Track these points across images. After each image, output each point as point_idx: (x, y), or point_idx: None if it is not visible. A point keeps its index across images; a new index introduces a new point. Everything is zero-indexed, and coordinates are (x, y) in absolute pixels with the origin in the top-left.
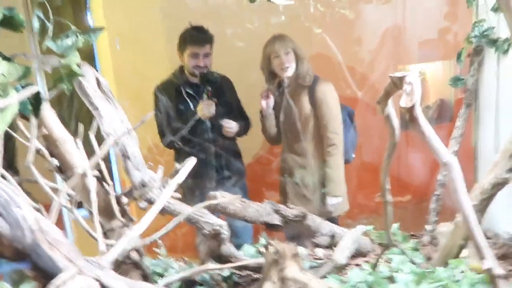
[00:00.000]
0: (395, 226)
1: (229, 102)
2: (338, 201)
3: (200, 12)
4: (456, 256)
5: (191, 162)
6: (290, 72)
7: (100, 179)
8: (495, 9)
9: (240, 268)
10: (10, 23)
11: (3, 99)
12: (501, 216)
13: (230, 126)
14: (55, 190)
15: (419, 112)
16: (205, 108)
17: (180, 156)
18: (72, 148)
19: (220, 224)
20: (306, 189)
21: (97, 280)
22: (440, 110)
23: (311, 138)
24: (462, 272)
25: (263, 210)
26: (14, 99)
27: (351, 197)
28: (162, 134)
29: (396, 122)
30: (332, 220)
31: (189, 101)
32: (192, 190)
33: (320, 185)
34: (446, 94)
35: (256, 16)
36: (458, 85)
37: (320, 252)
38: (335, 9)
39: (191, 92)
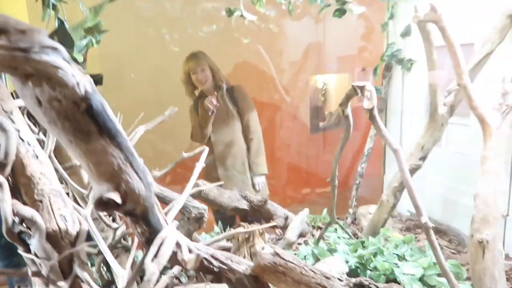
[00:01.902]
0: (324, 211)
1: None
2: (262, 180)
3: (142, 16)
4: (382, 227)
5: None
6: (207, 85)
7: None
8: (403, 35)
9: None
10: None
11: None
12: (403, 200)
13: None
14: None
15: (376, 113)
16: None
17: None
18: None
19: (204, 208)
20: (238, 173)
21: None
22: (341, 116)
23: (237, 131)
24: (388, 238)
25: (234, 196)
26: None
27: (283, 191)
28: None
29: (351, 120)
30: None
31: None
32: None
33: (247, 168)
34: None
35: (190, 24)
36: (377, 94)
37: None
38: (262, 22)
39: None
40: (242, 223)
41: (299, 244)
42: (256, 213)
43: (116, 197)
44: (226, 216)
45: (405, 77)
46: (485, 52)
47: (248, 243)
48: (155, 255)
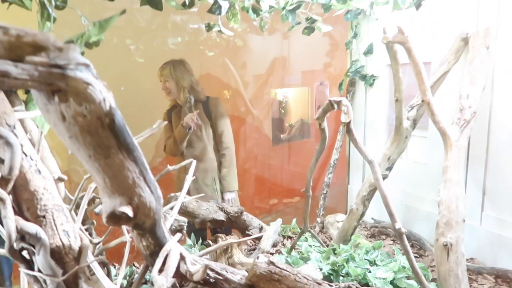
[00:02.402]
0: (293, 220)
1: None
2: (232, 196)
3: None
4: (352, 234)
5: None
6: (172, 96)
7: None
8: (365, 53)
9: None
10: None
11: None
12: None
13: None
14: None
15: (352, 126)
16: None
17: None
18: (48, 153)
19: (184, 220)
20: (207, 187)
21: None
22: (301, 128)
23: (209, 145)
24: (358, 244)
25: (211, 208)
26: None
27: (251, 202)
28: None
29: (327, 133)
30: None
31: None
32: None
33: (217, 183)
34: (305, 115)
35: (156, 35)
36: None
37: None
38: (230, 36)
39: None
40: (220, 235)
41: (272, 254)
42: (233, 224)
43: (129, 211)
44: (197, 229)
45: (368, 92)
46: (442, 71)
47: (226, 254)
48: (161, 268)
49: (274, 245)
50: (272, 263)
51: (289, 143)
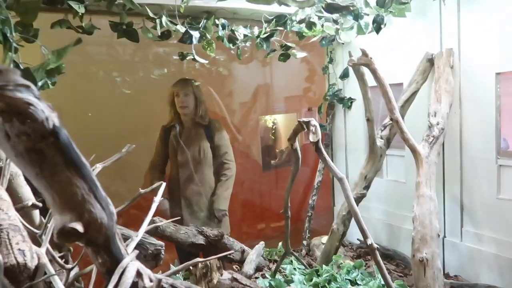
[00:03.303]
0: (279, 244)
1: None
2: (223, 213)
3: (93, 59)
4: (334, 255)
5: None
6: (187, 111)
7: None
8: (342, 77)
9: None
10: None
11: None
12: (353, 230)
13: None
14: None
15: (321, 145)
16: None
17: None
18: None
19: (161, 244)
20: (201, 211)
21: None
22: (291, 154)
23: (208, 169)
24: (340, 264)
25: (190, 232)
26: None
27: (239, 226)
28: None
29: (299, 154)
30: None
31: None
32: None
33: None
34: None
35: (141, 67)
36: (322, 130)
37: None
38: (213, 66)
39: None
40: (199, 258)
41: (256, 278)
42: (213, 248)
43: (79, 227)
44: (190, 253)
45: (347, 114)
46: (411, 91)
47: (206, 278)
48: (117, 285)
49: (259, 269)
50: (235, 279)
51: (279, 169)
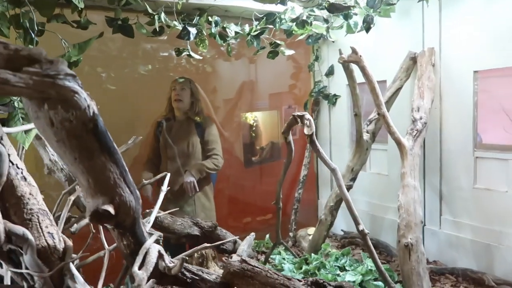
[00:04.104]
0: (267, 236)
1: None
2: (192, 180)
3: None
4: (322, 244)
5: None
6: (181, 105)
7: None
8: (327, 75)
9: None
10: None
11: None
12: (337, 222)
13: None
14: None
15: (315, 138)
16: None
17: None
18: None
19: (159, 234)
20: (187, 205)
21: None
22: (272, 151)
23: (196, 160)
24: (328, 253)
25: (186, 223)
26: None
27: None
28: None
29: (292, 146)
30: None
31: None
32: None
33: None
34: (275, 138)
35: (127, 63)
36: None
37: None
38: (198, 62)
39: None
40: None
41: None
42: (207, 239)
43: (111, 209)
44: (174, 246)
45: (331, 110)
46: (395, 88)
47: (202, 267)
48: (141, 264)
49: None
50: (244, 261)
51: (261, 165)
